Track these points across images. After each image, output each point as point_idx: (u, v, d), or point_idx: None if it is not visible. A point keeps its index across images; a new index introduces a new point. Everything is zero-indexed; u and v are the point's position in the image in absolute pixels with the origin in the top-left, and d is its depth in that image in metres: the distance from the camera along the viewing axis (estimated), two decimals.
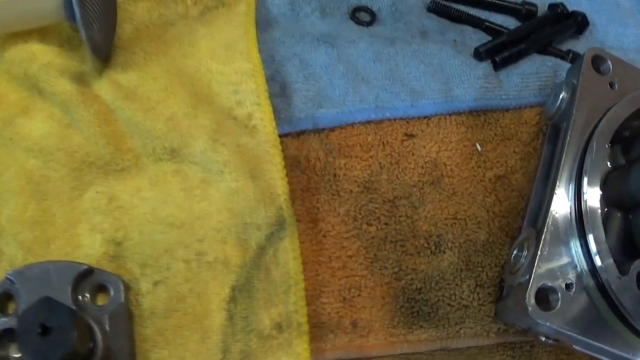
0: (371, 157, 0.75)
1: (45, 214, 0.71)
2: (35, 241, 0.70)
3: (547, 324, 0.65)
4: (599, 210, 0.69)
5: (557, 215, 0.69)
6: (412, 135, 0.76)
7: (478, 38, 0.84)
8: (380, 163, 0.75)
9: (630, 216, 0.70)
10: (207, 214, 0.70)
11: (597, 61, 0.76)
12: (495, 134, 0.78)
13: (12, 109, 0.75)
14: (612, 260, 0.66)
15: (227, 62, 0.75)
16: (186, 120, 0.72)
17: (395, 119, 0.77)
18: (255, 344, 0.68)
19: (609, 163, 0.75)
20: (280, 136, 0.73)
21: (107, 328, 0.66)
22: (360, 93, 0.77)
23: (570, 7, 0.89)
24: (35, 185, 0.72)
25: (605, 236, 0.70)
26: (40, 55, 0.75)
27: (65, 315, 0.59)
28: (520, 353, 0.74)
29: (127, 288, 0.69)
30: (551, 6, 0.88)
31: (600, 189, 0.72)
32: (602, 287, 0.67)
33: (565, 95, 0.75)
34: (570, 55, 0.84)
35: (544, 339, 0.68)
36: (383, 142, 0.76)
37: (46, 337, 0.58)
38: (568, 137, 0.72)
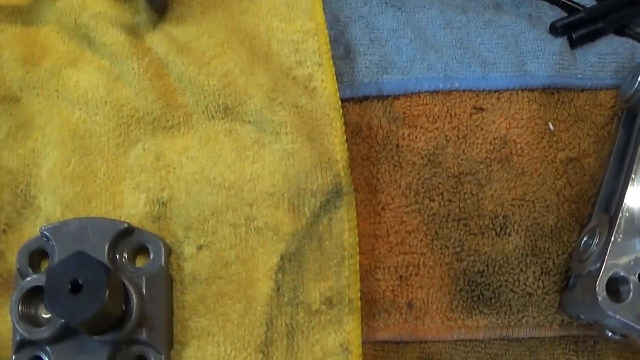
0: (437, 128, 0.70)
1: (87, 169, 0.66)
2: (75, 197, 0.65)
3: (617, 316, 0.59)
4: None
5: (632, 204, 0.63)
6: (481, 109, 0.70)
7: (554, 14, 0.78)
8: (446, 136, 0.70)
9: None
10: (259, 176, 0.64)
11: None
12: (569, 114, 0.72)
13: (59, 60, 0.70)
14: None
15: (289, 19, 0.70)
16: (242, 77, 0.66)
17: (464, 91, 0.71)
18: (302, 318, 0.62)
19: None
20: (341, 100, 0.67)
21: (144, 291, 0.61)
22: (428, 60, 0.71)
23: None
24: (79, 139, 0.67)
25: None
26: (92, 5, 0.70)
27: (98, 271, 0.53)
28: (584, 348, 0.68)
29: (169, 251, 0.63)
30: None
31: None
32: None
33: None
34: None
35: (610, 334, 0.62)
36: (450, 114, 0.70)
37: (76, 294, 0.52)
38: None
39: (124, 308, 0.58)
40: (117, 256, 0.62)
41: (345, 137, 0.65)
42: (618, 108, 0.73)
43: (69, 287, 0.52)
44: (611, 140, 0.72)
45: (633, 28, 0.78)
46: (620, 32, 0.77)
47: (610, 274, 0.61)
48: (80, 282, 0.52)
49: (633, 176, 0.64)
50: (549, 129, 0.71)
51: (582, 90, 0.73)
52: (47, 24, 0.72)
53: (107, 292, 0.53)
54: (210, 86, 0.66)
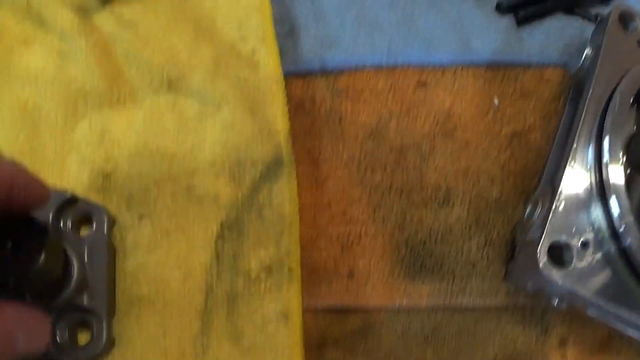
0: (380, 103, 0.69)
1: (35, 144, 0.66)
2: None
3: (560, 282, 0.58)
4: (622, 173, 0.62)
5: (575, 175, 0.62)
6: (425, 84, 0.70)
7: None
8: (389, 110, 0.69)
9: None
10: (200, 147, 0.64)
11: (625, 18, 0.69)
12: (515, 90, 0.71)
13: (12, 40, 0.70)
14: (634, 224, 0.59)
15: None
16: (186, 52, 0.66)
17: (408, 67, 0.70)
18: (242, 286, 0.61)
19: (634, 126, 0.68)
20: (285, 75, 0.67)
21: (86, 259, 0.60)
22: (372, 38, 0.71)
23: None
24: (28, 116, 0.67)
25: (628, 200, 0.64)
26: None
27: (37, 233, 0.53)
28: (531, 319, 0.66)
29: (112, 221, 0.63)
30: None
31: (624, 151, 0.65)
32: (621, 251, 0.60)
33: (590, 53, 0.69)
34: (598, 19, 0.77)
35: (556, 302, 0.61)
36: (394, 89, 0.69)
37: (15, 254, 0.52)
38: (589, 95, 0.66)
39: (65, 273, 0.58)
40: (61, 224, 0.62)
41: (287, 109, 0.65)
42: (565, 85, 0.72)
43: (9, 247, 0.52)
44: (558, 117, 0.71)
45: (583, 7, 0.77)
46: (569, 11, 0.76)
47: (552, 240, 0.60)
48: (19, 243, 0.52)
49: (575, 150, 0.64)
50: (494, 103, 0.70)
51: (528, 67, 0.72)
52: (3, 6, 0.72)
53: (43, 256, 0.52)
54: (155, 61, 0.66)
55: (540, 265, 0.58)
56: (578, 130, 0.64)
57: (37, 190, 0.52)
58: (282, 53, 0.68)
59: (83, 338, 0.61)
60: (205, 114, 0.65)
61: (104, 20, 0.69)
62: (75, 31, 0.68)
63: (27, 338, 0.49)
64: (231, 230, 0.62)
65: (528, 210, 0.65)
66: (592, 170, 0.63)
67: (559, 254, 0.60)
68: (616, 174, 0.62)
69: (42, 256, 0.52)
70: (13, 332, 0.47)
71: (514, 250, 0.66)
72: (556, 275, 0.58)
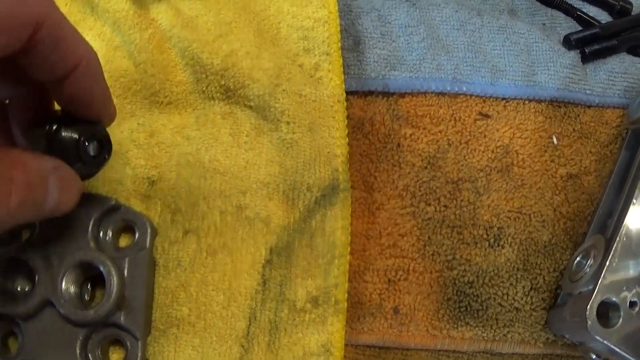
0: (440, 131, 0.64)
1: None
2: None
3: (605, 341, 0.55)
4: None
5: (631, 227, 0.59)
6: (486, 116, 0.65)
7: (568, 26, 0.72)
8: (448, 139, 0.64)
9: None
10: (255, 164, 0.58)
11: None
12: (574, 130, 0.66)
13: None
14: None
15: (301, 4, 0.62)
16: (247, 60, 0.60)
17: (471, 95, 0.65)
18: (286, 315, 0.57)
19: None
20: (346, 93, 0.61)
21: (126, 273, 0.55)
22: (438, 60, 0.65)
23: None
24: None
25: None
26: None
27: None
28: None
29: (155, 233, 0.58)
30: None
31: None
32: None
33: None
34: None
35: (594, 356, 0.58)
36: (455, 118, 0.64)
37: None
38: None
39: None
40: (101, 233, 0.57)
41: (346, 132, 0.60)
42: (623, 128, 0.67)
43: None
44: (613, 160, 0.66)
45: None
46: (633, 51, 0.72)
47: (602, 298, 0.57)
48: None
49: (634, 200, 0.60)
50: (553, 142, 0.65)
51: (589, 107, 0.67)
52: None
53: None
54: (214, 66, 0.60)
55: (589, 322, 0.56)
56: (638, 186, 0.61)
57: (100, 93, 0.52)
58: (344, 69, 0.62)
59: (115, 356, 0.57)
60: (262, 129, 0.59)
61: (162, 13, 0.62)
62: (130, 22, 0.61)
63: (59, 192, 0.47)
64: (280, 257, 0.57)
65: (577, 260, 0.61)
66: None
67: (605, 311, 0.58)
68: None
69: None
70: (48, 181, 0.47)
71: (556, 297, 0.62)
72: (602, 333, 0.56)
